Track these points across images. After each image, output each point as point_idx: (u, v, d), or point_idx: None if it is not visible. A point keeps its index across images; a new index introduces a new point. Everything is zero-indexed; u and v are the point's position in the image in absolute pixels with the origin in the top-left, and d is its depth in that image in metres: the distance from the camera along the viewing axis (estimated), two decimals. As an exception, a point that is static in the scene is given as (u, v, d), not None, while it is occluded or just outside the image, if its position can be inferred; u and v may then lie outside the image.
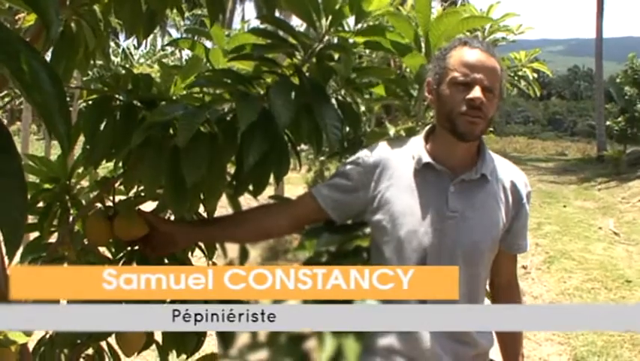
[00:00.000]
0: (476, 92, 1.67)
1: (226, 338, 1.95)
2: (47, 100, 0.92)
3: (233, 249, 2.00)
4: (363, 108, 2.15)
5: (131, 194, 1.94)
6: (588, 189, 18.11)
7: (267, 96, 1.69)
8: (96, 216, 1.87)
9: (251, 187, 1.82)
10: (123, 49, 22.48)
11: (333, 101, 1.88)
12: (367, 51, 3.08)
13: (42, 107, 0.92)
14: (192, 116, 1.58)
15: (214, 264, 2.08)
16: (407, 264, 1.72)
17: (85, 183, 2.05)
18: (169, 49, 24.42)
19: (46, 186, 1.92)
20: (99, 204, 1.91)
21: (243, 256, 2.07)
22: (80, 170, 1.97)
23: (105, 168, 1.93)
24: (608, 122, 25.22)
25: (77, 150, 2.02)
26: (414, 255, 1.73)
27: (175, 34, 34.31)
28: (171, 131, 1.70)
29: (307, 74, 1.82)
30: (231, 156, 1.71)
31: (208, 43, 2.06)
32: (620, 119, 24.61)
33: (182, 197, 1.66)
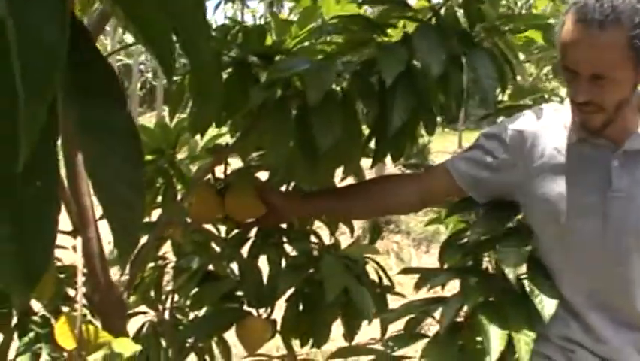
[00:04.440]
0: (577, 89, 1.37)
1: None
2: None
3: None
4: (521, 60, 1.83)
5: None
6: None
7: (406, 45, 1.42)
8: (207, 189, 1.63)
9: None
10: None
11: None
12: None
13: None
14: (323, 71, 1.34)
15: (336, 240, 1.83)
16: (569, 253, 1.49)
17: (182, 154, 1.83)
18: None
19: (148, 157, 1.69)
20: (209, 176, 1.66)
21: (376, 233, 1.83)
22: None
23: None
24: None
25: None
26: (575, 244, 1.48)
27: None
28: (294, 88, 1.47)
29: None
30: (372, 116, 1.45)
31: None
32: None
33: (314, 165, 1.41)
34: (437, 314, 1.55)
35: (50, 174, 0.53)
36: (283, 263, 1.72)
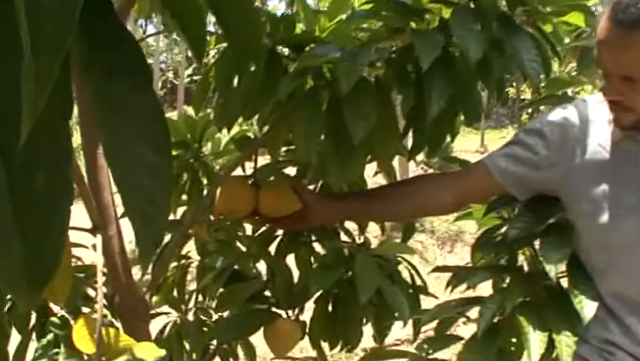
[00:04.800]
0: (608, 86, 1.32)
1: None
2: None
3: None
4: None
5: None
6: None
7: (443, 30, 1.34)
8: (240, 183, 1.54)
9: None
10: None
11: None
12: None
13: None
14: (355, 57, 1.26)
15: (366, 238, 1.75)
16: (611, 253, 1.40)
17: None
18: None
19: (172, 152, 1.63)
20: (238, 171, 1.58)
21: (409, 232, 1.75)
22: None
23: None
24: None
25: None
26: (618, 244, 1.39)
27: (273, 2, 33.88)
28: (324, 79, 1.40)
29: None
30: (408, 105, 1.37)
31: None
32: None
33: (346, 158, 1.34)
34: (470, 314, 1.48)
35: (62, 160, 0.45)
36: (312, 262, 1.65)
